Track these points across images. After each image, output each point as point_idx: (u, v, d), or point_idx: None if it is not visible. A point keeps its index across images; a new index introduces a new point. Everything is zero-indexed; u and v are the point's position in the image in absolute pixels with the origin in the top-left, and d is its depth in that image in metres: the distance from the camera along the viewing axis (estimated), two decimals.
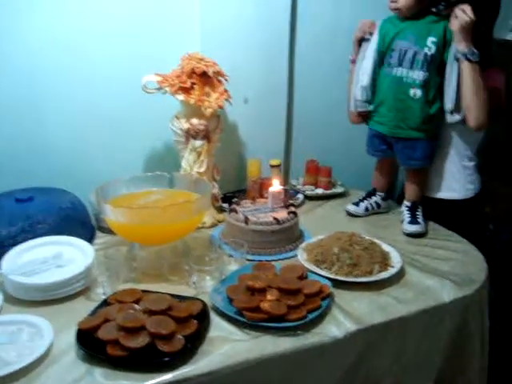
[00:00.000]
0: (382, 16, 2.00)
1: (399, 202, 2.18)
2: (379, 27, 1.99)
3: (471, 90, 1.84)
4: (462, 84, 1.85)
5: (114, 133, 2.12)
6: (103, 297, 1.45)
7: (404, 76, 1.92)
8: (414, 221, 1.99)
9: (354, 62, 2.10)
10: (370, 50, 2.00)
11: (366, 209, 2.14)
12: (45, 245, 1.63)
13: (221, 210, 2.08)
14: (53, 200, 1.82)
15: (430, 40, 1.87)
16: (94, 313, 1.36)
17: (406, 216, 2.02)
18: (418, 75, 1.90)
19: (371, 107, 2.05)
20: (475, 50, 1.81)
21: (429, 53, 1.88)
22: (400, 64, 1.93)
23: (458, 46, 1.82)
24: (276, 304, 1.39)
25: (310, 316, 1.39)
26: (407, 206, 2.06)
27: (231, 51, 2.18)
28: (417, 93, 1.91)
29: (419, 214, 2.03)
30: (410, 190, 2.09)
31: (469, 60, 1.81)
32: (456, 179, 2.08)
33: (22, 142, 2.00)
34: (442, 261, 1.78)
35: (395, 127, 2.00)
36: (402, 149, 2.03)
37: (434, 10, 1.92)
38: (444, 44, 1.87)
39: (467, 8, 1.78)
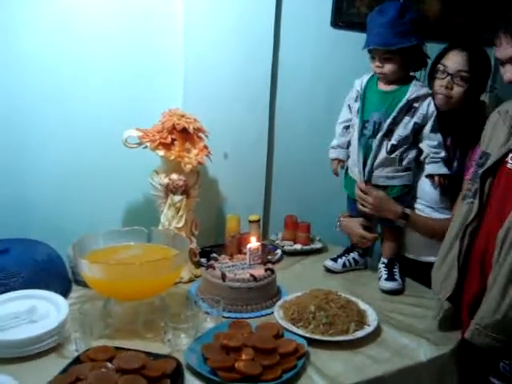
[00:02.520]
0: (360, 71, 2.05)
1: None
2: (362, 89, 2.03)
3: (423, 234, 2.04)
4: None
5: (93, 185, 2.13)
6: (75, 354, 1.43)
7: None
8: (390, 278, 2.01)
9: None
10: (356, 127, 2.02)
11: (344, 265, 2.15)
12: (18, 299, 1.61)
13: (198, 265, 2.08)
14: (28, 252, 1.80)
15: (397, 109, 1.92)
16: (64, 371, 1.33)
17: (383, 273, 2.04)
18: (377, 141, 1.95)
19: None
20: (399, 220, 1.97)
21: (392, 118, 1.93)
22: (375, 135, 1.96)
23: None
24: (251, 364, 1.37)
25: (285, 376, 1.37)
26: (384, 263, 2.07)
27: (212, 106, 2.23)
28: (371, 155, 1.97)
29: (396, 270, 2.05)
30: (387, 247, 2.11)
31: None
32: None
33: None
34: (419, 319, 1.79)
35: None
36: None
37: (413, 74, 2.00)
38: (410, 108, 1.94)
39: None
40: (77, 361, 1.38)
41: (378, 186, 1.98)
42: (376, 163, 1.97)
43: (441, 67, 1.96)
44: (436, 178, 1.96)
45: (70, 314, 1.54)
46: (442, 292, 1.67)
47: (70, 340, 1.48)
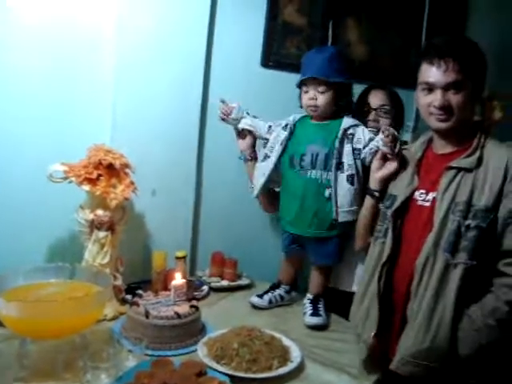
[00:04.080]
0: (290, 110, 2.12)
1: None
2: (293, 122, 2.10)
3: (361, 225, 1.98)
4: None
5: (17, 219, 2.07)
6: None
7: (318, 177, 2.02)
8: (315, 313, 2.04)
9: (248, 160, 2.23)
10: (275, 152, 2.09)
11: (270, 301, 2.16)
12: None
13: (124, 301, 2.04)
14: None
15: (337, 141, 2.00)
16: None
17: (308, 308, 2.07)
18: (332, 175, 2.00)
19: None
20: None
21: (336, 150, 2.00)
22: (313, 167, 2.02)
23: (375, 183, 1.89)
24: None
25: None
26: (309, 299, 2.11)
27: (140, 143, 2.23)
28: (332, 192, 2.01)
29: (321, 306, 2.08)
30: (315, 284, 2.15)
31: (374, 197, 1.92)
32: None
33: None
34: (342, 353, 1.81)
35: (309, 227, 2.07)
36: (313, 247, 2.10)
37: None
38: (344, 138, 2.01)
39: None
40: None
41: (342, 223, 2.03)
42: (339, 198, 2.00)
43: (365, 106, 2.19)
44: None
45: None
46: (365, 334, 1.70)
47: None
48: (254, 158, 2.23)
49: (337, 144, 2.00)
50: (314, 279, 2.15)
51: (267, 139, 2.14)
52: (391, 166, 1.84)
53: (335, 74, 1.99)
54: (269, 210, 2.31)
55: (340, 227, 2.05)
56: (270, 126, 2.16)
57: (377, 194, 1.87)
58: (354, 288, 2.14)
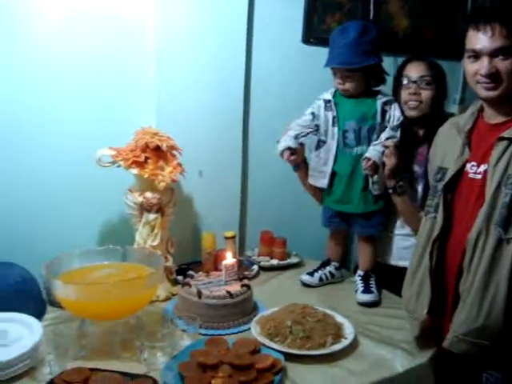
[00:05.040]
0: (331, 86, 2.07)
1: (355, 272, 2.20)
2: (333, 98, 2.06)
3: (404, 217, 2.03)
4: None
5: (69, 205, 2.11)
6: (49, 377, 1.40)
7: (364, 153, 1.98)
8: (367, 290, 2.02)
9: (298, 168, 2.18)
10: (331, 134, 2.03)
11: (321, 279, 2.15)
12: None
13: (175, 282, 2.06)
14: (0, 274, 1.77)
15: (378, 116, 1.98)
16: None
17: (360, 285, 2.05)
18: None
19: None
20: (401, 183, 1.96)
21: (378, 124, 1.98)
22: (358, 143, 1.99)
23: (387, 182, 1.98)
24: (228, 380, 1.37)
25: None
26: (360, 276, 2.09)
27: (186, 125, 2.24)
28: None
29: (372, 282, 2.06)
30: (363, 259, 2.12)
31: (397, 193, 1.97)
32: None
33: None
34: (395, 330, 1.79)
35: (357, 204, 2.04)
36: (357, 220, 2.08)
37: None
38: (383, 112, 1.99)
39: (391, 153, 1.93)
40: None
41: (377, 196, 2.03)
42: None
43: (404, 79, 2.08)
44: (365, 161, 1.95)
45: (44, 336, 1.51)
46: (418, 311, 1.67)
47: (44, 363, 1.45)
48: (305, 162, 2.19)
49: (378, 118, 1.98)
50: (362, 252, 2.13)
51: (318, 125, 2.07)
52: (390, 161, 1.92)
53: (360, 58, 1.91)
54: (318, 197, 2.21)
55: (384, 200, 2.04)
56: (312, 113, 2.08)
57: (394, 188, 1.95)
58: (395, 261, 2.15)
